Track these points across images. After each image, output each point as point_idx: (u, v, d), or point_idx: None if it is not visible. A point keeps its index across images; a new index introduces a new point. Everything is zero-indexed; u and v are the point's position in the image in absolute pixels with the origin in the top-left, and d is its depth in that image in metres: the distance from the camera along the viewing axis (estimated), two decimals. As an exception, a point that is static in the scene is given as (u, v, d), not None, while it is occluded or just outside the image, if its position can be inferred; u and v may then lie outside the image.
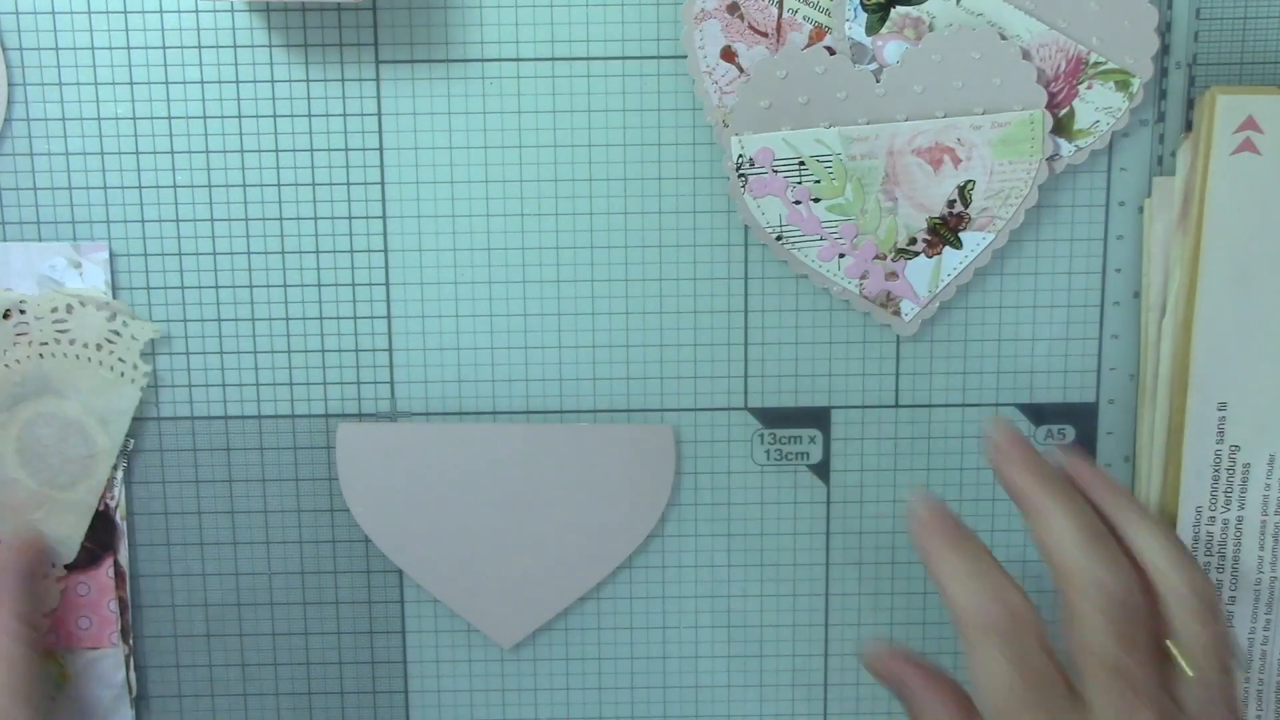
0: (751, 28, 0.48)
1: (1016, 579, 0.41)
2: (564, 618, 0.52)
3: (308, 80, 0.49)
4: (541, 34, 0.49)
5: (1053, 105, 0.48)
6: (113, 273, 0.50)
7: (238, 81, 0.49)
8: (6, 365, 0.50)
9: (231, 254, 0.50)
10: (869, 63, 0.48)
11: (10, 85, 0.49)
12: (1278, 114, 0.41)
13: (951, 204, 0.48)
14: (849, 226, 0.49)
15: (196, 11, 0.48)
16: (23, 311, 0.49)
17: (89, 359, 0.50)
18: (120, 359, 0.50)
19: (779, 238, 0.49)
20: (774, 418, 0.51)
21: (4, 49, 0.48)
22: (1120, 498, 0.42)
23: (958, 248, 0.49)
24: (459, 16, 0.49)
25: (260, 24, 0.49)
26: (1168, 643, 0.40)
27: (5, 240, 0.50)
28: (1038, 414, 0.51)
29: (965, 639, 0.40)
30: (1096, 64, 0.48)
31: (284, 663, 0.53)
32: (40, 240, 0.50)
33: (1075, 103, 0.48)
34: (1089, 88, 0.48)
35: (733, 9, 0.47)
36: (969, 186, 0.48)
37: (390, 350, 0.51)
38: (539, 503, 0.50)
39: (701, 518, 0.52)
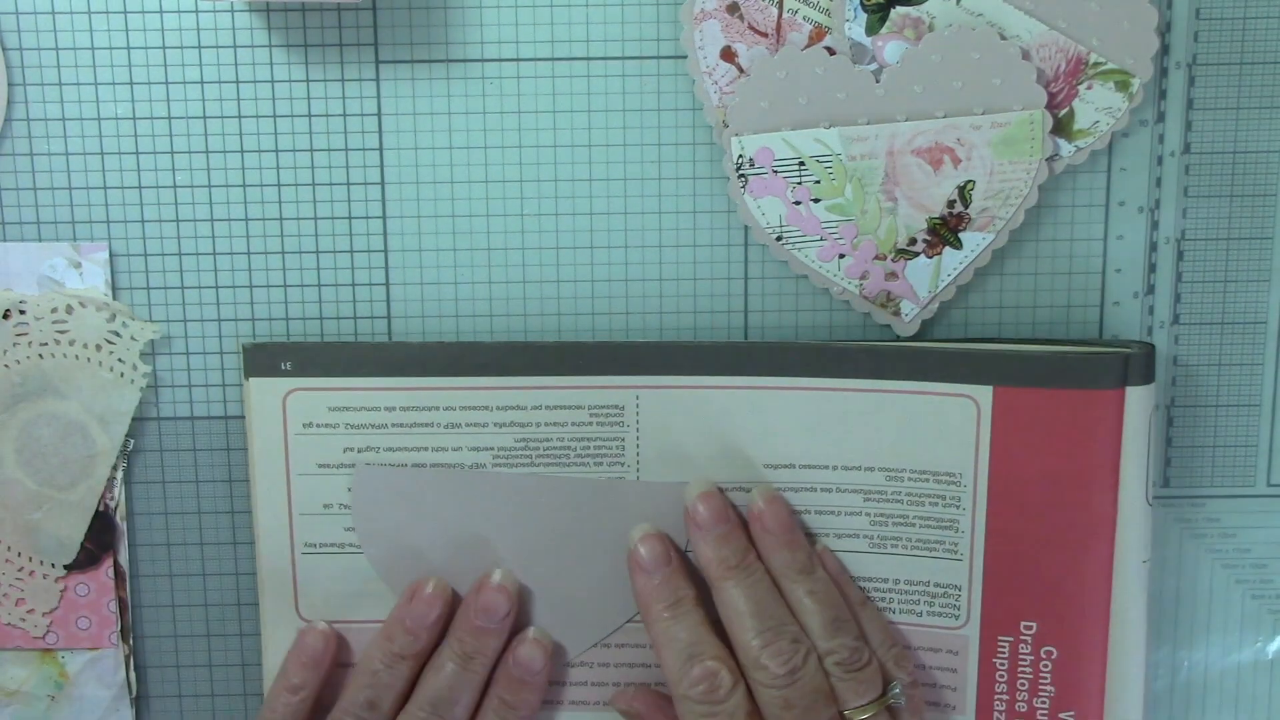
0: (751, 28, 0.48)
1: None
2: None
3: (308, 80, 0.49)
4: (541, 34, 0.49)
5: (1053, 105, 0.48)
6: (113, 273, 0.50)
7: (238, 81, 0.49)
8: (6, 365, 0.50)
9: (231, 254, 0.50)
10: (869, 63, 0.48)
11: (10, 85, 0.49)
12: None
13: (951, 204, 0.48)
14: (849, 227, 0.49)
15: (196, 11, 0.48)
16: (23, 311, 0.49)
17: (89, 359, 0.50)
18: (120, 359, 0.50)
19: (779, 238, 0.49)
20: (774, 418, 0.51)
21: (4, 49, 0.48)
22: (792, 569, 0.47)
23: (958, 248, 0.49)
24: (459, 16, 0.49)
25: (260, 24, 0.49)
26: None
27: (5, 240, 0.50)
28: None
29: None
30: (1096, 64, 0.48)
31: (284, 663, 0.53)
32: (40, 240, 0.50)
33: (1075, 103, 0.48)
34: (1089, 88, 0.48)
35: (733, 9, 0.47)
36: (969, 186, 0.48)
37: (390, 350, 0.50)
38: (557, 553, 0.49)
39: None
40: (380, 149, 0.49)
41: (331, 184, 0.50)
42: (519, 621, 0.49)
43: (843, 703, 0.45)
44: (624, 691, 0.50)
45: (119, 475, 0.51)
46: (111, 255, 0.50)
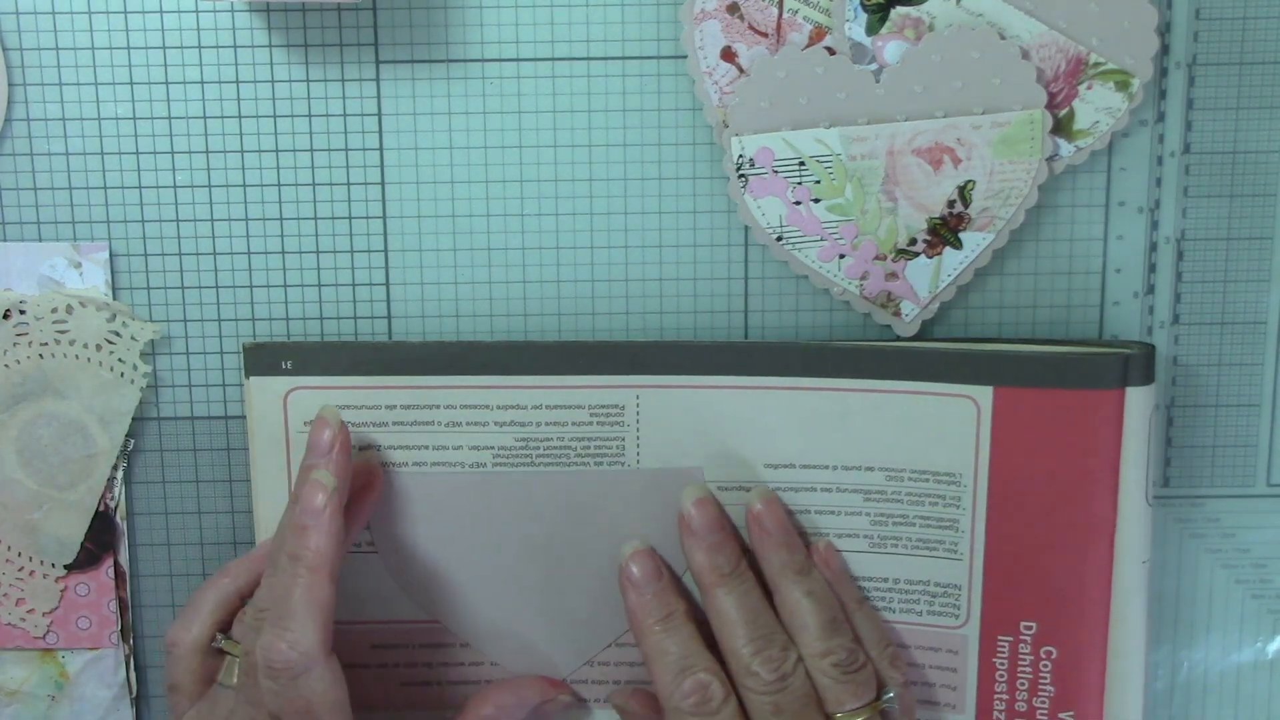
0: (751, 28, 0.48)
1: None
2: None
3: (308, 80, 0.49)
4: (541, 34, 0.49)
5: (1053, 105, 0.48)
6: (113, 273, 0.50)
7: (238, 81, 0.49)
8: (6, 365, 0.50)
9: (231, 254, 0.50)
10: (869, 63, 0.48)
11: (10, 85, 0.49)
12: None
13: (951, 204, 0.48)
14: (849, 227, 0.49)
15: (196, 11, 0.48)
16: (23, 312, 0.49)
17: (89, 359, 0.50)
18: (120, 359, 0.50)
19: (779, 238, 0.49)
20: (774, 418, 0.51)
21: (4, 49, 0.48)
22: (790, 569, 0.47)
23: (958, 248, 0.49)
24: (459, 16, 0.49)
25: (260, 24, 0.49)
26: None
27: (5, 240, 0.50)
28: (1038, 414, 0.51)
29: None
30: (1096, 64, 0.48)
31: (284, 663, 0.53)
32: (40, 240, 0.50)
33: (1075, 103, 0.48)
34: (1089, 88, 0.48)
35: (733, 9, 0.47)
36: (969, 186, 0.48)
37: (390, 350, 0.50)
38: (574, 551, 0.49)
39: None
40: (380, 149, 0.49)
41: (331, 184, 0.50)
42: (548, 620, 0.50)
43: (838, 705, 0.45)
44: (622, 689, 0.50)
45: (119, 475, 0.51)
46: (111, 255, 0.50)
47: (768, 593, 0.47)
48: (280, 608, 0.43)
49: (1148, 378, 0.46)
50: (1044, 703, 0.48)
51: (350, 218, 0.50)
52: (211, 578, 0.48)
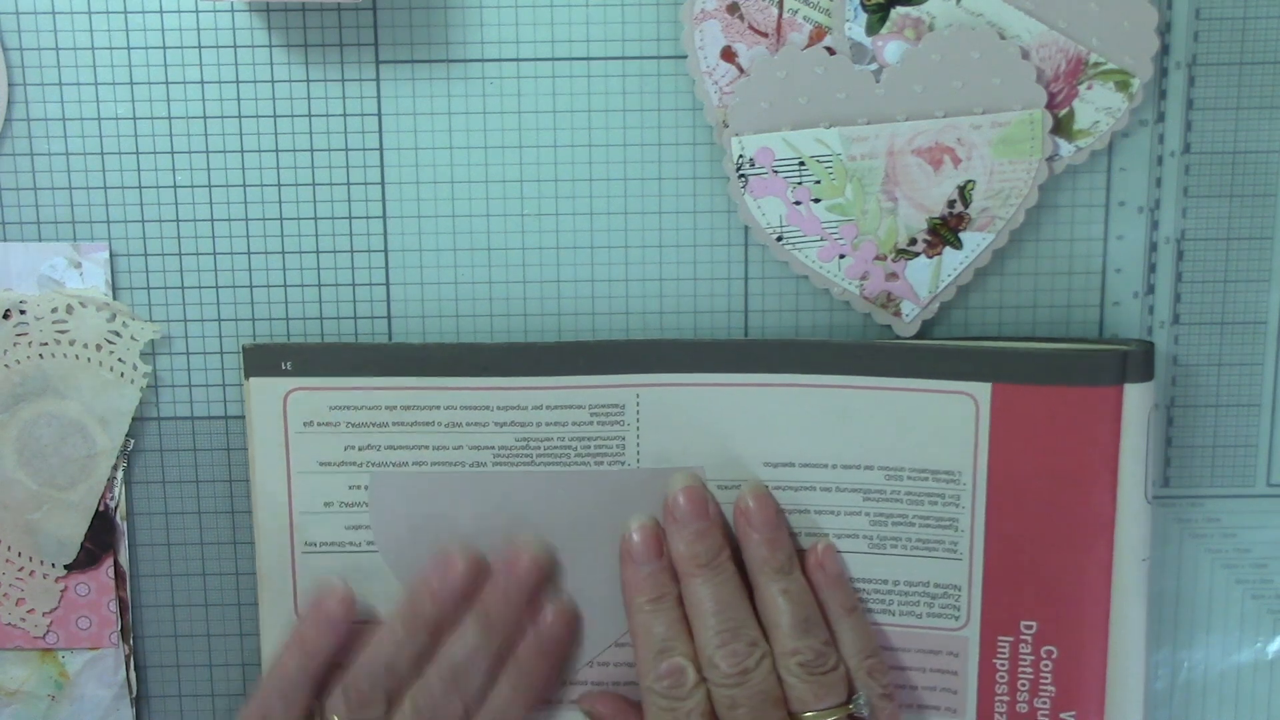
0: (751, 28, 0.48)
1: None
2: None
3: (308, 80, 0.49)
4: (541, 34, 0.49)
5: (1053, 105, 0.48)
6: (113, 273, 0.50)
7: (238, 81, 0.49)
8: (6, 365, 0.50)
9: (231, 254, 0.50)
10: (869, 63, 0.48)
11: (10, 85, 0.49)
12: None
13: (951, 204, 0.48)
14: (849, 227, 0.49)
15: (196, 11, 0.48)
16: (23, 311, 0.49)
17: (89, 359, 0.50)
18: (120, 359, 0.50)
19: (779, 238, 0.49)
20: (774, 418, 0.51)
21: (4, 49, 0.48)
22: (770, 566, 0.47)
23: (958, 248, 0.49)
24: (459, 16, 0.49)
25: (260, 24, 0.49)
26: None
27: (5, 240, 0.50)
28: (1038, 414, 0.51)
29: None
30: (1096, 64, 0.48)
31: (284, 663, 0.53)
32: (40, 240, 0.50)
33: (1075, 103, 0.48)
34: (1089, 88, 0.48)
35: (733, 9, 0.47)
36: (969, 186, 0.48)
37: (390, 350, 0.50)
38: (574, 550, 0.49)
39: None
40: (380, 149, 0.49)
41: (331, 184, 0.50)
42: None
43: (802, 705, 0.45)
44: (590, 693, 0.50)
45: (119, 475, 0.51)
46: (111, 255, 0.50)
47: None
48: (470, 674, 0.46)
49: (1146, 374, 0.46)
50: (1045, 703, 0.48)
51: (350, 218, 0.50)
52: (282, 656, 0.47)
